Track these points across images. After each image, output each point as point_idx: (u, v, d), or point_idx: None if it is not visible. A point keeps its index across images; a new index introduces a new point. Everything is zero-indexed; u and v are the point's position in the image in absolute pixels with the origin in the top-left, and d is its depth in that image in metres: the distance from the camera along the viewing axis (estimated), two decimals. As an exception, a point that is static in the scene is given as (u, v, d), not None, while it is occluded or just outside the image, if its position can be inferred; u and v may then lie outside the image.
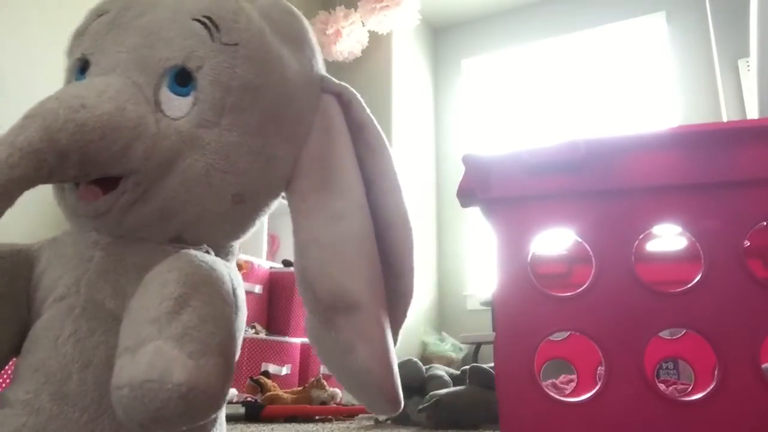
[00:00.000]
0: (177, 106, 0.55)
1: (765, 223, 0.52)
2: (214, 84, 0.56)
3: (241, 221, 0.62)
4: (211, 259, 0.55)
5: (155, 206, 0.55)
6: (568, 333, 0.84)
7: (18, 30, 2.19)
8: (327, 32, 3.39)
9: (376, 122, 0.69)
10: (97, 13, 0.60)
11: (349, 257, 0.59)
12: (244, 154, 0.58)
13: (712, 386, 0.48)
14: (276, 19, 0.62)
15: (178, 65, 0.56)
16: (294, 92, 0.62)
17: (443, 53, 4.19)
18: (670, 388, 1.12)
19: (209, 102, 0.56)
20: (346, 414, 1.89)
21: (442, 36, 4.21)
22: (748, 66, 2.78)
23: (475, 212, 0.59)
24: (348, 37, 3.40)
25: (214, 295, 0.50)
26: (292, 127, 0.62)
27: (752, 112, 2.64)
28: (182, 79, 0.56)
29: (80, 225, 0.58)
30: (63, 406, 0.50)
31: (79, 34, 0.60)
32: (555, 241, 0.83)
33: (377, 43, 3.59)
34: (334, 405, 1.89)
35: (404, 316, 0.69)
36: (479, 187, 0.55)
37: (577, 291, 0.52)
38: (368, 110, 0.69)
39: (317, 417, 1.81)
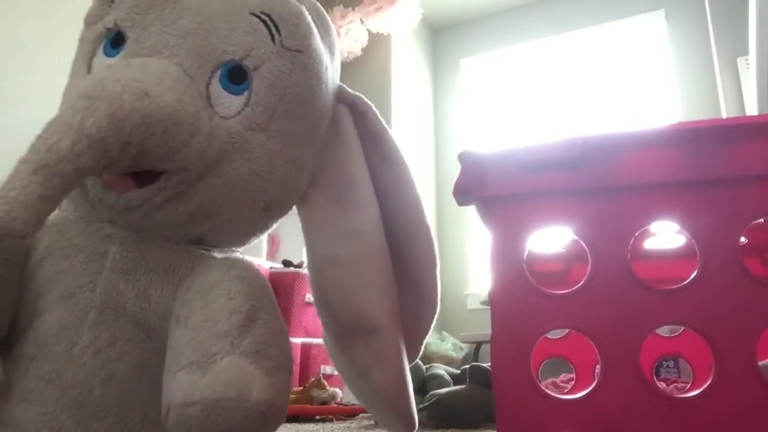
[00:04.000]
0: (228, 104, 0.52)
1: (762, 220, 0.52)
2: (270, 88, 0.53)
3: (261, 228, 0.60)
4: (252, 263, 0.53)
5: (190, 207, 0.51)
6: (567, 331, 0.84)
7: (17, 30, 2.19)
8: (326, 32, 3.39)
9: (391, 133, 0.67)
10: None
11: (369, 277, 0.57)
12: (284, 164, 0.56)
13: (708, 383, 0.48)
14: (320, 24, 0.59)
15: (235, 61, 0.52)
16: (330, 104, 0.61)
17: (442, 52, 4.18)
18: (671, 386, 1.12)
19: (262, 105, 0.53)
20: (347, 414, 1.89)
21: (441, 35, 4.21)
22: (747, 64, 2.78)
23: (474, 211, 0.59)
24: (346, 37, 3.40)
25: (275, 307, 0.49)
26: (320, 138, 0.61)
27: (752, 110, 2.64)
28: (236, 77, 0.53)
29: (94, 214, 0.53)
30: (85, 425, 0.46)
31: (104, 2, 0.55)
32: (553, 239, 0.83)
33: (376, 42, 3.59)
34: (335, 405, 1.89)
35: (428, 330, 0.68)
36: (475, 185, 0.55)
37: (573, 288, 0.52)
38: (384, 121, 0.67)
39: (318, 417, 1.81)
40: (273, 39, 0.53)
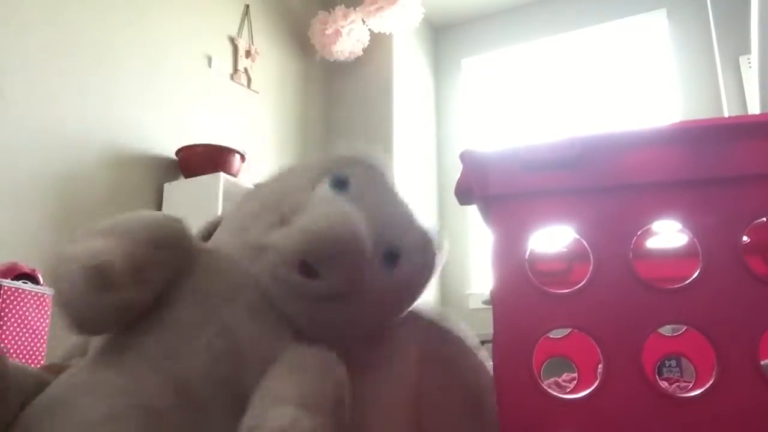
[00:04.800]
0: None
1: (765, 219, 0.52)
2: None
3: None
4: None
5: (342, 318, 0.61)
6: (569, 330, 0.84)
7: (17, 31, 2.20)
8: (326, 32, 3.39)
9: None
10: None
11: None
12: None
13: (710, 382, 0.48)
14: None
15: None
16: None
17: (444, 52, 4.18)
18: (673, 386, 1.12)
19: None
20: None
21: (442, 35, 4.21)
22: (750, 63, 2.78)
23: (476, 211, 0.59)
24: (348, 37, 3.40)
25: None
26: None
27: (754, 110, 2.63)
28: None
29: (250, 263, 0.59)
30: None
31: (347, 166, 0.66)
32: (555, 238, 0.83)
33: (378, 42, 3.59)
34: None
35: None
36: (477, 185, 0.55)
37: (575, 288, 0.52)
38: None
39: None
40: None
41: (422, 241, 0.67)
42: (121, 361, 0.53)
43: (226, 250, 0.62)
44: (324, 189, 0.63)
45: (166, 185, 2.65)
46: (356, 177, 0.65)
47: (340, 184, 0.64)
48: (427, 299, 0.74)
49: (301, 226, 0.55)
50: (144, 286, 0.53)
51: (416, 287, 0.68)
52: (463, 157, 0.56)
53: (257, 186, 0.71)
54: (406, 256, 0.64)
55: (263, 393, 0.52)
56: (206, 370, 0.53)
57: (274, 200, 0.63)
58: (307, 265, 0.55)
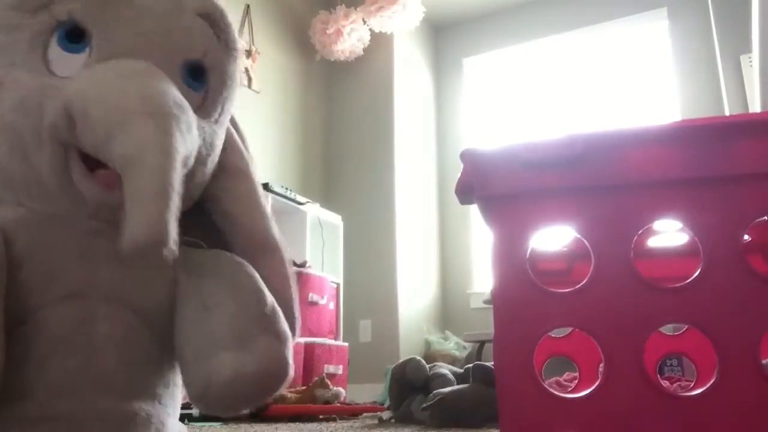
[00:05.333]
0: (189, 100, 0.55)
1: (766, 218, 0.52)
2: (220, 83, 0.60)
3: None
4: None
5: None
6: (570, 330, 0.84)
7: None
8: (328, 31, 3.39)
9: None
10: None
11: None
12: (219, 145, 0.62)
13: (711, 381, 0.48)
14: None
15: (197, 60, 0.57)
16: None
17: (444, 51, 4.18)
18: (675, 385, 1.12)
19: (216, 100, 0.59)
20: (350, 413, 1.89)
21: (443, 34, 4.21)
22: (750, 61, 2.77)
23: (476, 210, 0.59)
24: (349, 36, 3.40)
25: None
26: None
27: (755, 108, 2.63)
28: (196, 75, 0.57)
29: (74, 210, 0.53)
30: (118, 407, 0.52)
31: None
32: (556, 237, 0.83)
33: (378, 42, 3.59)
34: (338, 404, 1.89)
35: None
36: (477, 184, 0.55)
37: (576, 287, 0.52)
38: None
39: (321, 416, 1.81)
40: (218, 38, 0.58)
41: (217, 37, 0.58)
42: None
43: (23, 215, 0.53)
44: (61, 57, 0.52)
45: (167, 185, 2.65)
46: (80, 11, 0.52)
47: (76, 36, 0.52)
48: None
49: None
50: None
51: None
52: (464, 156, 0.56)
53: None
54: (209, 61, 0.57)
55: (197, 341, 0.52)
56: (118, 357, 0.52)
57: (9, 111, 0.51)
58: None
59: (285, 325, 0.55)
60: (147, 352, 0.55)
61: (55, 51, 0.53)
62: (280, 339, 0.53)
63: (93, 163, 0.51)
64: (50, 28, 0.53)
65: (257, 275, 0.57)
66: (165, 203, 0.45)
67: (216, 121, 0.60)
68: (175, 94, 0.51)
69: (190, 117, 0.52)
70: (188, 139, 0.51)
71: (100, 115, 0.48)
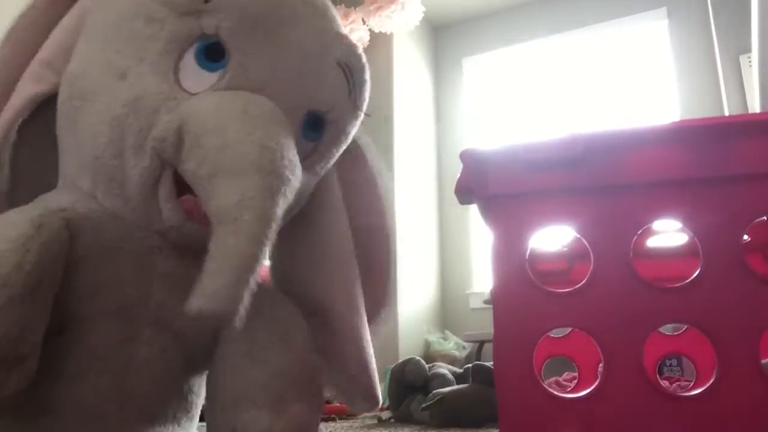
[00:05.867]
0: (301, 149, 0.52)
1: (765, 218, 0.52)
2: (334, 139, 0.57)
3: None
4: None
5: None
6: (569, 330, 0.84)
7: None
8: (328, 32, 3.39)
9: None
10: None
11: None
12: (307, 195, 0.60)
13: (711, 381, 0.48)
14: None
15: (320, 112, 0.53)
16: None
17: (444, 51, 4.18)
18: (674, 385, 1.12)
19: (324, 154, 0.56)
20: (350, 413, 1.89)
21: (442, 34, 4.21)
22: (750, 61, 2.77)
23: (476, 210, 0.59)
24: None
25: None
26: None
27: (754, 108, 2.63)
28: (315, 125, 0.54)
29: (144, 220, 0.50)
30: (141, 430, 0.51)
31: None
32: (555, 237, 0.83)
33: (378, 42, 3.59)
34: (338, 404, 1.89)
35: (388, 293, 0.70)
36: (477, 184, 0.55)
37: (576, 287, 0.52)
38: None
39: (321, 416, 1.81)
40: (350, 94, 0.55)
41: (348, 91, 0.55)
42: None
43: (94, 207, 0.49)
44: (193, 70, 0.49)
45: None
46: (228, 30, 0.49)
47: (214, 54, 0.49)
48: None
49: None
50: (24, 360, 0.42)
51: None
52: (463, 156, 0.56)
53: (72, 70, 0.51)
54: (332, 116, 0.54)
55: (234, 389, 0.50)
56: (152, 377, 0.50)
57: (121, 105, 0.48)
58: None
59: (321, 391, 0.53)
60: (175, 377, 0.53)
61: (189, 62, 0.49)
62: (312, 407, 0.52)
63: (182, 186, 0.49)
64: (192, 37, 0.49)
65: (306, 330, 0.54)
66: (246, 277, 0.42)
67: (316, 174, 0.57)
68: (292, 150, 0.47)
69: (297, 180, 0.48)
70: (287, 203, 0.47)
71: (213, 148, 0.45)
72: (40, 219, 0.45)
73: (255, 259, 0.43)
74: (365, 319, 0.61)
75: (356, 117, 0.57)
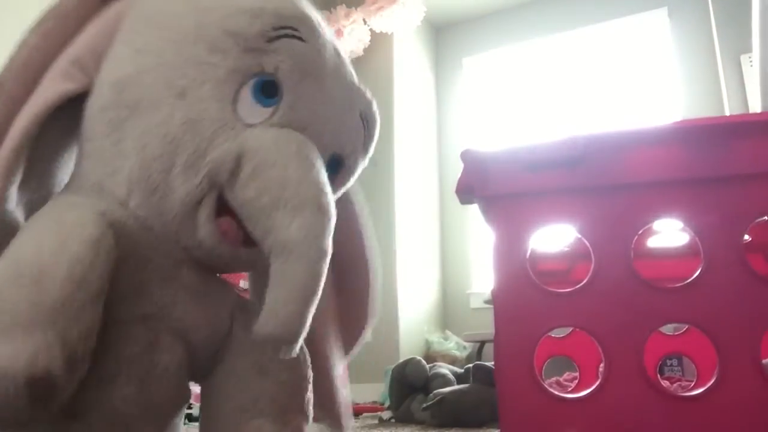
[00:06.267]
0: None
1: (766, 218, 0.52)
2: (344, 182, 0.61)
3: None
4: None
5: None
6: (570, 330, 0.84)
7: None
8: (328, 32, 3.39)
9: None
10: (284, 25, 0.52)
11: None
12: None
13: (712, 381, 0.48)
14: None
15: (342, 155, 0.58)
16: None
17: (445, 51, 4.18)
18: (675, 385, 1.12)
19: (333, 193, 0.58)
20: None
21: (443, 34, 4.21)
22: (751, 61, 2.77)
23: (477, 210, 0.59)
24: (349, 36, 3.40)
25: None
26: None
27: (755, 108, 2.63)
28: (335, 166, 0.58)
29: (177, 236, 0.51)
30: None
31: (264, 38, 0.51)
32: (556, 237, 0.83)
33: (378, 41, 3.59)
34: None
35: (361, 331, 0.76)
36: (478, 184, 0.55)
37: (577, 287, 0.52)
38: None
39: (321, 416, 1.81)
40: (364, 143, 0.60)
41: (363, 140, 0.60)
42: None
43: (132, 221, 0.50)
44: (249, 103, 0.51)
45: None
46: (285, 72, 0.52)
47: (268, 90, 0.52)
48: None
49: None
50: (85, 362, 0.43)
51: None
52: (464, 156, 0.57)
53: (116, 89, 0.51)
54: (349, 160, 0.59)
55: (241, 400, 0.54)
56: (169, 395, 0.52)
57: (179, 123, 0.49)
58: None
59: (311, 404, 0.57)
60: (180, 385, 0.54)
61: (246, 94, 0.52)
62: (307, 420, 0.55)
63: (220, 207, 0.50)
64: (252, 72, 0.52)
65: (306, 348, 0.57)
66: (311, 308, 0.46)
67: None
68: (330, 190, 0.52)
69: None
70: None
71: (274, 181, 0.48)
72: (102, 221, 0.46)
73: (317, 291, 0.46)
74: (337, 352, 0.66)
75: (365, 162, 0.62)
